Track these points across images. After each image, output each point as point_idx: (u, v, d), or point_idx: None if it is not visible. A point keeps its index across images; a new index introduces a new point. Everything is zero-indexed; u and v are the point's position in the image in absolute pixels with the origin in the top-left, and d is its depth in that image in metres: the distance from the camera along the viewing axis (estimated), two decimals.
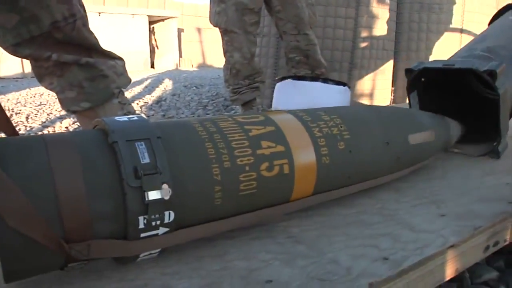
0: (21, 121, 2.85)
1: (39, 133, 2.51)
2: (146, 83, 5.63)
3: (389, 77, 2.94)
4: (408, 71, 1.28)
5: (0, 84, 6.08)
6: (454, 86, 1.25)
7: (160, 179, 0.56)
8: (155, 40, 12.09)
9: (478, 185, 0.98)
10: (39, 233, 0.50)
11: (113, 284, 0.59)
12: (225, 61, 2.36)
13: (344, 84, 1.85)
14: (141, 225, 0.56)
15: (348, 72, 2.73)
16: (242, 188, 0.67)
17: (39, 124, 2.77)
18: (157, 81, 5.86)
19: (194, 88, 4.87)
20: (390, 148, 0.89)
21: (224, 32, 2.26)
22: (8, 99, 4.04)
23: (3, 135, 0.66)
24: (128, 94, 4.42)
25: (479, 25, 3.12)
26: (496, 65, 1.10)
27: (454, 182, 1.01)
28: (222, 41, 2.32)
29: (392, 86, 2.96)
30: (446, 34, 3.04)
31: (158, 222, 0.57)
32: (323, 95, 1.71)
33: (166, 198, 0.56)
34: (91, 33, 1.20)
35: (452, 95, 1.28)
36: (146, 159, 0.57)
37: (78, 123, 2.59)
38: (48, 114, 3.14)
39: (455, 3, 3.08)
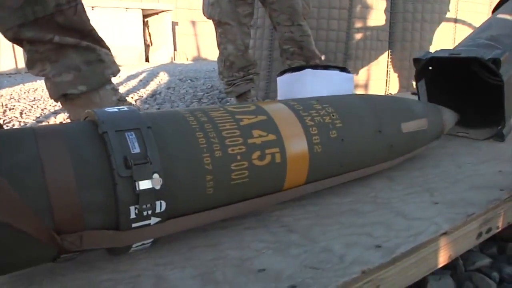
0: (15, 117, 2.84)
1: None
2: (140, 77, 5.60)
3: (383, 68, 2.94)
4: (416, 61, 1.36)
5: None
6: (460, 74, 1.31)
7: (150, 169, 0.56)
8: (149, 35, 12.02)
9: (471, 173, 0.99)
10: (30, 226, 0.49)
11: (106, 275, 0.59)
12: (219, 53, 2.36)
13: (348, 71, 1.84)
14: (133, 215, 0.56)
15: (343, 63, 2.72)
16: (234, 177, 0.66)
17: (33, 120, 2.75)
18: (151, 74, 5.84)
19: (189, 81, 4.86)
20: (382, 136, 0.89)
21: (218, 24, 2.25)
22: (2, 95, 4.02)
23: None
24: (123, 88, 4.40)
25: (474, 14, 3.12)
26: (500, 53, 1.18)
27: (447, 170, 1.01)
28: (216, 33, 2.32)
29: (387, 77, 2.95)
30: (440, 24, 3.04)
31: (150, 212, 0.57)
32: (342, 83, 1.70)
33: (157, 187, 0.56)
34: (88, 19, 1.24)
35: (458, 82, 1.34)
36: (136, 149, 0.56)
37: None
38: (42, 110, 3.12)
39: None
